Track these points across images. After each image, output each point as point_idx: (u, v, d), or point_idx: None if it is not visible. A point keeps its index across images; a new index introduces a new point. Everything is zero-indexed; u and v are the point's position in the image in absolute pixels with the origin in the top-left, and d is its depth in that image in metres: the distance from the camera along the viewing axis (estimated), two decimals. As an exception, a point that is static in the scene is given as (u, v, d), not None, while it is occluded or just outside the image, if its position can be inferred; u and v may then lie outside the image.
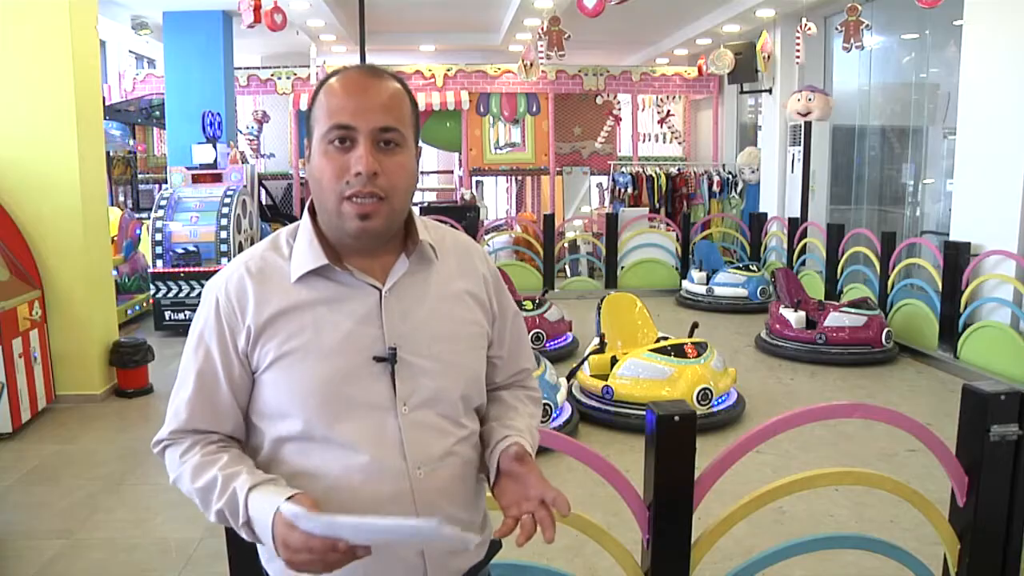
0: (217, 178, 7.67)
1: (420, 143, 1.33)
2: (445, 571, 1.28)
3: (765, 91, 9.83)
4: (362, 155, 1.18)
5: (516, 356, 1.45)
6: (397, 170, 1.22)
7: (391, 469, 1.22)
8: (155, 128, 11.05)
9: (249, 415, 1.28)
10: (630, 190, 10.95)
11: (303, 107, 10.43)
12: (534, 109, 11.34)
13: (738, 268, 8.51)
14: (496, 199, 13.89)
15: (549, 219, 9.19)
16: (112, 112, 9.31)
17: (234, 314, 1.24)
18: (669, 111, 12.87)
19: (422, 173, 13.80)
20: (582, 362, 5.05)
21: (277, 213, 10.98)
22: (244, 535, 1.19)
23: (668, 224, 10.13)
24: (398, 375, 1.23)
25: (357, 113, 1.19)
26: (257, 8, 7.30)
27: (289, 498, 1.12)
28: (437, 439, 1.24)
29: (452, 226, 1.53)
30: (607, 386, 4.70)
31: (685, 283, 8.85)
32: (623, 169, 11.22)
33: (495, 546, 1.39)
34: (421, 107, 10.06)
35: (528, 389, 1.48)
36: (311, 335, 1.22)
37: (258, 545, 1.33)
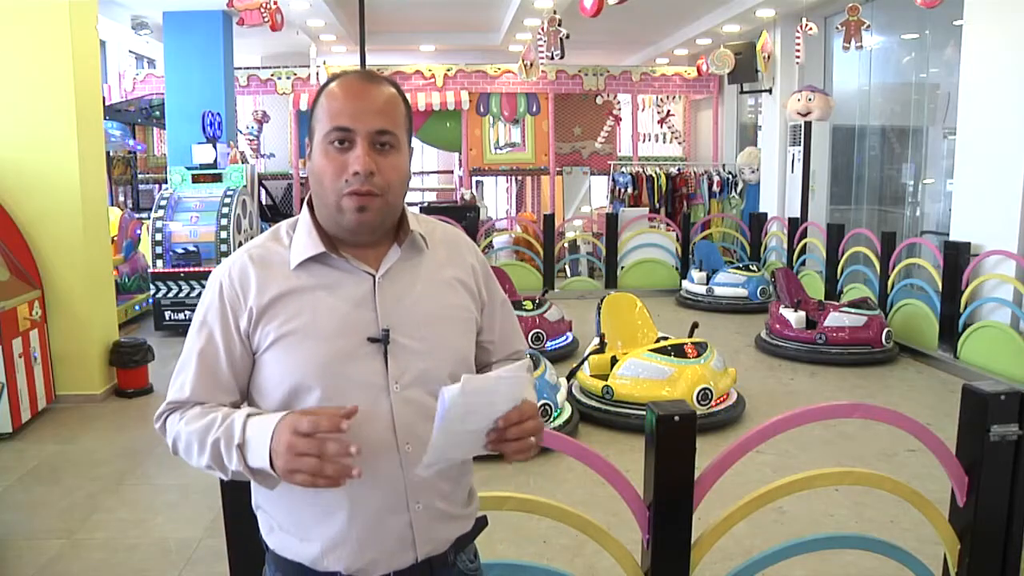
0: (217, 178, 7.67)
1: (412, 144, 1.41)
2: (433, 541, 1.35)
3: (765, 91, 9.83)
4: (360, 155, 1.27)
5: (508, 340, 1.53)
6: (391, 170, 1.30)
7: (382, 443, 1.29)
8: (155, 128, 11.05)
9: (250, 392, 1.36)
10: (630, 190, 10.95)
11: (303, 107, 10.43)
12: (534, 109, 11.34)
13: (738, 268, 8.51)
14: (496, 199, 13.88)
15: (549, 219, 9.19)
16: (112, 112, 9.30)
17: (237, 297, 1.32)
18: (669, 111, 12.87)
19: (422, 173, 13.80)
20: (582, 362, 5.05)
21: (277, 213, 10.97)
22: (237, 467, 1.22)
23: (668, 224, 10.13)
24: (390, 355, 1.31)
25: (355, 116, 1.28)
26: (272, 13, 7.30)
27: (284, 416, 1.19)
28: (426, 416, 1.27)
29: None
30: (607, 386, 4.70)
31: (685, 283, 8.85)
32: (623, 169, 11.22)
33: (481, 521, 1.47)
34: (421, 107, 10.00)
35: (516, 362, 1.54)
36: (309, 317, 1.30)
37: (260, 517, 1.39)
